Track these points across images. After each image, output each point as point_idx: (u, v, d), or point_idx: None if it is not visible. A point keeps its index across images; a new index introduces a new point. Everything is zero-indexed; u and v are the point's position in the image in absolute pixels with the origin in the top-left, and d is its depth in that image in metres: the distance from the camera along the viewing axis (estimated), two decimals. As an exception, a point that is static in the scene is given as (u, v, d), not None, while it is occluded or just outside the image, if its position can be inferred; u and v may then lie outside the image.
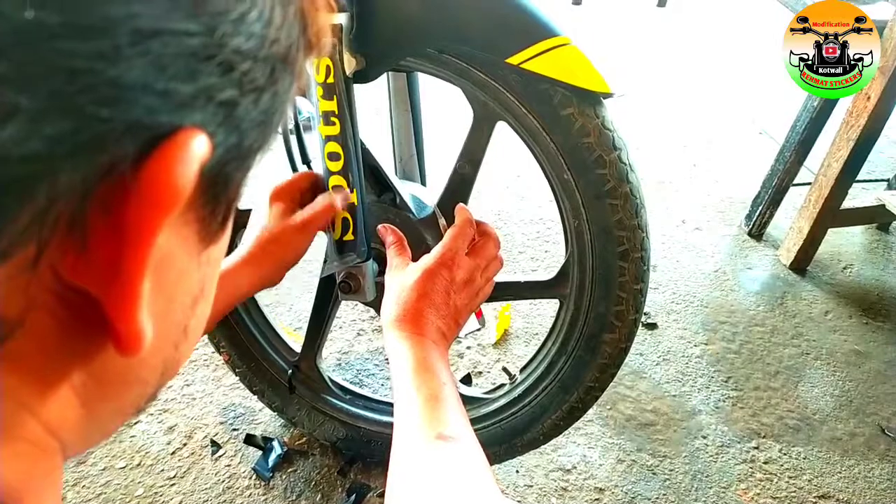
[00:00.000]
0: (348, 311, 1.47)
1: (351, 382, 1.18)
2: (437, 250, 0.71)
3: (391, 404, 1.09)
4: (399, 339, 0.65)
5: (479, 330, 1.46)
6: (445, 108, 1.66)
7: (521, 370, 0.96)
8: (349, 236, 0.82)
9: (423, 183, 1.10)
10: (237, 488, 1.11)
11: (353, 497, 1.10)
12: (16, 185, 0.16)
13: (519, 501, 1.12)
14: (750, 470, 1.23)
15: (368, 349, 1.39)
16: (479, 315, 1.46)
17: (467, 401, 0.98)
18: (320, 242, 0.86)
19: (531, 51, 0.69)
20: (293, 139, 0.92)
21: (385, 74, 0.95)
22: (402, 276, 0.71)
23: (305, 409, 1.10)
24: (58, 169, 0.16)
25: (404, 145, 1.06)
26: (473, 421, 0.96)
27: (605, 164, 0.74)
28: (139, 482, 1.10)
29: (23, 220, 0.17)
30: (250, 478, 1.12)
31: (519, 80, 0.72)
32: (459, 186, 0.84)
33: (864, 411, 1.38)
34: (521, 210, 1.86)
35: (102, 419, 0.26)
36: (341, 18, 0.71)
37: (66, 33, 0.15)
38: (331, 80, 0.73)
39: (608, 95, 0.73)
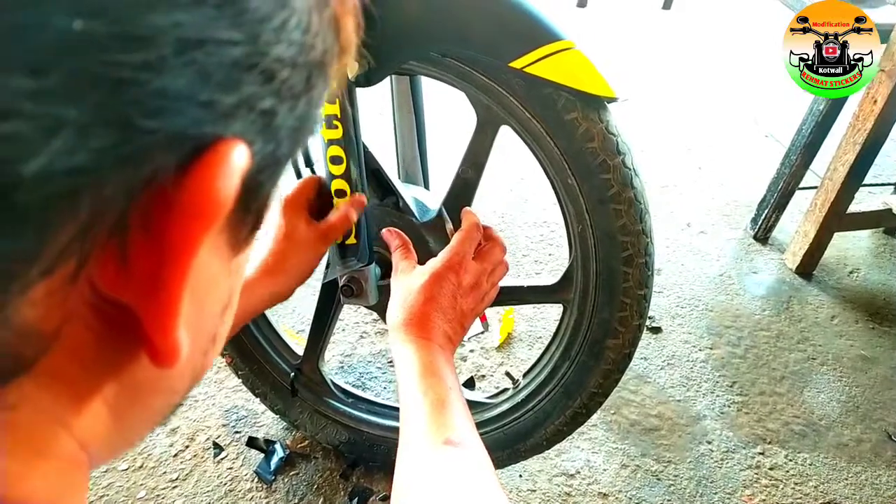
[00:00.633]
0: (351, 315, 1.47)
1: (354, 386, 1.18)
2: (444, 254, 0.71)
3: (394, 408, 1.09)
4: (405, 343, 0.65)
5: (482, 333, 1.45)
6: (449, 112, 1.66)
7: (525, 375, 0.95)
8: (352, 240, 0.82)
9: (427, 187, 1.09)
10: (239, 491, 1.11)
11: (356, 501, 1.10)
12: (62, 199, 0.16)
13: (522, 506, 1.12)
14: (755, 476, 1.22)
15: (371, 352, 1.39)
16: (483, 319, 1.46)
17: (470, 405, 0.97)
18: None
19: (534, 55, 0.68)
20: None
21: (388, 78, 0.94)
22: (408, 279, 0.71)
23: (308, 412, 1.10)
24: (103, 182, 0.16)
25: (407, 149, 1.06)
26: (477, 426, 0.95)
27: (609, 169, 0.74)
28: (141, 484, 1.09)
29: (66, 234, 0.16)
30: (252, 480, 1.12)
31: (522, 84, 0.72)
32: (463, 190, 0.84)
33: (871, 417, 1.36)
34: (524, 213, 1.86)
35: (131, 429, 0.26)
36: (344, 22, 0.70)
37: (112, 44, 0.15)
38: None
39: (612, 100, 0.72)
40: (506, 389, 0.98)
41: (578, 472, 1.19)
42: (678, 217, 1.92)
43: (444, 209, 0.86)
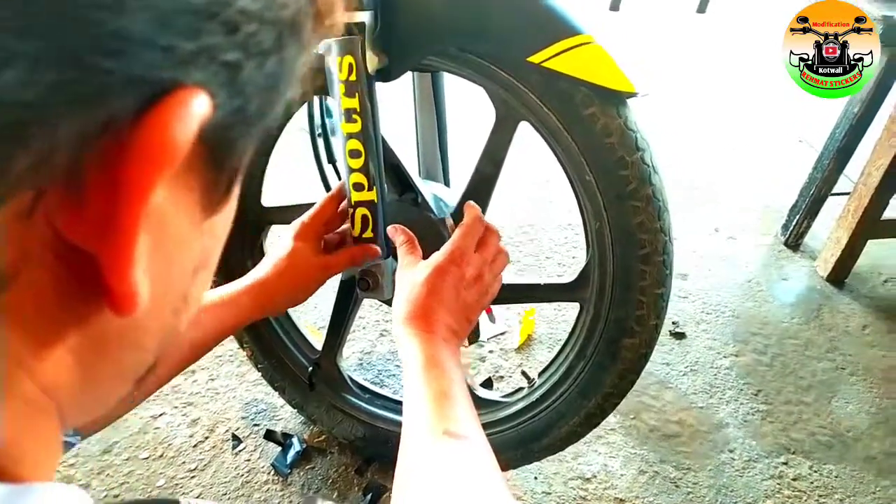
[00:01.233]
0: (372, 312, 1.47)
1: (371, 382, 1.18)
2: (446, 247, 0.71)
3: (409, 404, 1.09)
4: (409, 336, 0.65)
5: (503, 334, 1.45)
6: (471, 108, 1.66)
7: (540, 374, 0.94)
8: (368, 234, 0.82)
9: (447, 184, 1.09)
10: (255, 483, 1.12)
11: (370, 496, 1.10)
12: (13, 129, 0.16)
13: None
14: (777, 486, 1.19)
15: (390, 350, 1.39)
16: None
17: (485, 404, 0.98)
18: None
19: (553, 49, 0.68)
20: (320, 141, 0.94)
21: (410, 74, 0.95)
22: (412, 273, 0.71)
23: (325, 407, 1.10)
24: (56, 117, 0.17)
25: (428, 146, 1.06)
26: (490, 424, 0.95)
27: (627, 166, 0.73)
28: (161, 473, 1.11)
29: (19, 165, 0.17)
30: (269, 473, 1.13)
31: (540, 79, 0.71)
32: (481, 186, 0.84)
33: (902, 430, 1.32)
34: (549, 215, 1.84)
35: (100, 384, 0.26)
36: (365, 16, 0.71)
37: None
38: (353, 77, 0.73)
39: (632, 95, 0.71)
40: (521, 388, 0.97)
41: (595, 476, 1.17)
42: (707, 221, 1.89)
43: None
